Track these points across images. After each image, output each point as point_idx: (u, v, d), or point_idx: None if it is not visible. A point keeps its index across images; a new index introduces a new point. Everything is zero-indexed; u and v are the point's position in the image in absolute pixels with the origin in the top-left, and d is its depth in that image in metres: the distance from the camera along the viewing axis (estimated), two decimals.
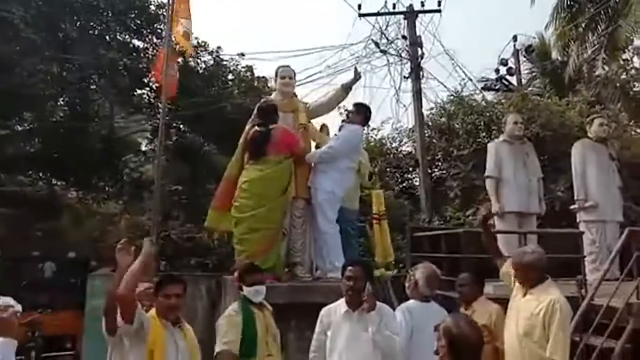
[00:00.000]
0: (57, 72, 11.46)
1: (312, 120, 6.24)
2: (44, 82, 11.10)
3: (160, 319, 3.27)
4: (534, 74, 14.75)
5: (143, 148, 15.64)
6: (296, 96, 6.32)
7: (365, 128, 13.19)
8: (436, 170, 11.72)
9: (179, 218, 10.03)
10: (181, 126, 13.67)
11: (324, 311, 3.66)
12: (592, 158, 6.95)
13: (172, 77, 7.71)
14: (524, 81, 14.32)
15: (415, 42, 10.73)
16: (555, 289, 3.44)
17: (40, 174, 14.90)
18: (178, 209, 10.88)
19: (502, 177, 6.67)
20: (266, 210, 5.24)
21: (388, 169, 11.72)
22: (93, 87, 13.42)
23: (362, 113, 5.86)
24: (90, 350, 5.62)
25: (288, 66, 6.21)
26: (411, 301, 3.84)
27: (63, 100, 13.11)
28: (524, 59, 14.79)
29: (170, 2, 7.16)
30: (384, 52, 11.01)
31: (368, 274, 3.62)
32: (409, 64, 10.82)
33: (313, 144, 6.18)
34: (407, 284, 3.92)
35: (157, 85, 7.50)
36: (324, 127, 6.41)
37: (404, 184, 12.01)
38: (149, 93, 13.24)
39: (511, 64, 14.12)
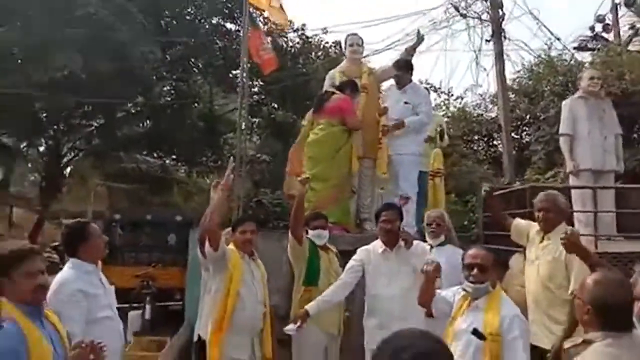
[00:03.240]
0: (162, 56, 12.39)
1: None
2: (152, 66, 12.13)
3: (239, 251, 3.91)
4: (636, 29, 13.57)
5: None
6: (362, 63, 6.65)
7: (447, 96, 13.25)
8: (523, 134, 11.46)
9: (270, 186, 10.81)
10: (273, 103, 14.47)
11: (359, 251, 4.04)
12: None
13: (267, 53, 8.26)
14: (624, 38, 13.25)
15: (495, 4, 10.49)
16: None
17: (154, 153, 16.59)
18: (269, 178, 11.70)
19: (576, 135, 6.43)
20: (321, 169, 5.68)
21: (472, 136, 11.66)
22: (194, 69, 14.52)
23: (409, 71, 6.22)
24: (189, 291, 6.44)
25: (356, 34, 6.59)
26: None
27: (168, 83, 14.23)
28: (624, 14, 13.66)
29: None
30: (464, 15, 10.87)
31: (401, 216, 4.04)
32: (490, 27, 10.62)
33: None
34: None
35: (254, 63, 8.16)
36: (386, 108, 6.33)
37: (490, 150, 11.89)
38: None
39: (609, 20, 13.15)
